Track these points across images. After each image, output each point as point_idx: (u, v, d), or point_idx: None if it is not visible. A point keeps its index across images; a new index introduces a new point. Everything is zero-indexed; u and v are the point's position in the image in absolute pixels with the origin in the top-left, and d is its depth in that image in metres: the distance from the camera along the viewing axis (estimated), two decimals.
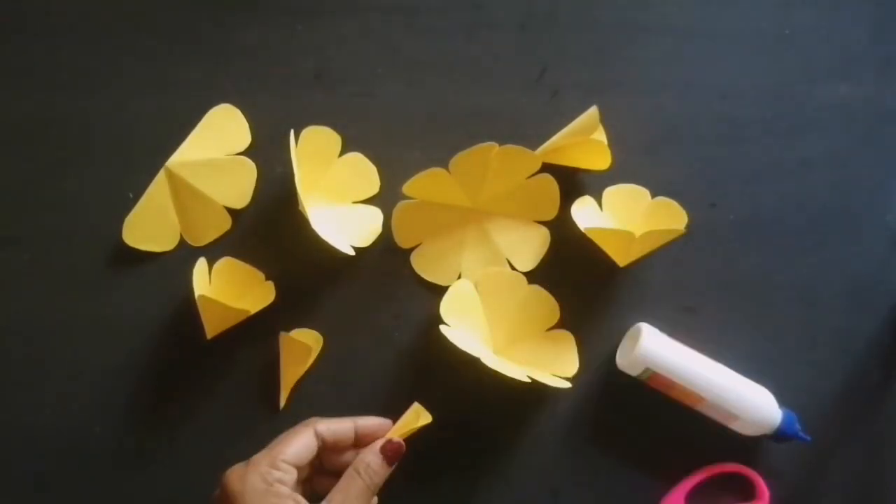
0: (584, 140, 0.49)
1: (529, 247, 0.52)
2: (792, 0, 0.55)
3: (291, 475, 0.41)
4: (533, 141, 0.52)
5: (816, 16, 0.54)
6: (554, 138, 0.52)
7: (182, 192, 0.51)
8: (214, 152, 0.52)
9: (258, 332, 0.50)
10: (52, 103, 0.51)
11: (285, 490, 0.40)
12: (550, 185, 0.52)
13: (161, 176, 0.51)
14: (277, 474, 0.41)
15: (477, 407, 0.50)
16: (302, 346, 0.49)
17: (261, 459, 0.41)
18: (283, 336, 0.50)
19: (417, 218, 0.52)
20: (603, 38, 0.53)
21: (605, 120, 0.49)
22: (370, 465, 0.43)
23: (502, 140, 0.50)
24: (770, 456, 0.51)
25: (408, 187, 0.50)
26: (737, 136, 0.54)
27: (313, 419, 0.45)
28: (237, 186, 0.51)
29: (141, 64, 0.52)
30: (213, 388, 0.51)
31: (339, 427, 0.44)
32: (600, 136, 0.50)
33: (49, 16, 0.52)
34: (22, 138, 0.51)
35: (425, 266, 0.52)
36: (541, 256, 0.52)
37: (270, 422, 0.50)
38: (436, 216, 0.52)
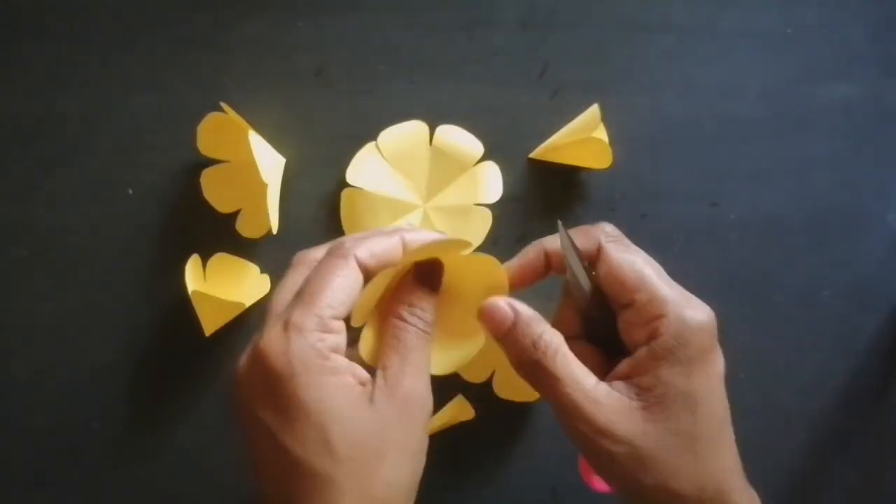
0: (585, 138, 0.49)
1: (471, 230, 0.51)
2: None
3: (344, 335, 0.30)
4: (533, 139, 0.52)
5: (818, 15, 0.54)
6: (554, 137, 0.52)
7: None
8: None
9: (255, 328, 0.50)
10: (52, 100, 0.51)
11: (342, 362, 0.30)
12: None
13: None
14: (332, 340, 0.29)
15: (474, 403, 0.50)
16: None
17: (304, 320, 0.29)
18: None
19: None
20: (604, 36, 0.53)
21: (606, 118, 0.49)
22: (414, 304, 0.31)
23: (503, 138, 0.50)
24: (769, 456, 0.51)
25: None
26: (737, 135, 0.54)
27: (341, 241, 0.31)
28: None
29: (140, 60, 0.51)
30: (211, 385, 0.51)
31: (384, 248, 0.31)
32: (601, 134, 0.50)
33: (48, 12, 0.52)
34: (21, 135, 0.51)
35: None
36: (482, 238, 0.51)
37: None
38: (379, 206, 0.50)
